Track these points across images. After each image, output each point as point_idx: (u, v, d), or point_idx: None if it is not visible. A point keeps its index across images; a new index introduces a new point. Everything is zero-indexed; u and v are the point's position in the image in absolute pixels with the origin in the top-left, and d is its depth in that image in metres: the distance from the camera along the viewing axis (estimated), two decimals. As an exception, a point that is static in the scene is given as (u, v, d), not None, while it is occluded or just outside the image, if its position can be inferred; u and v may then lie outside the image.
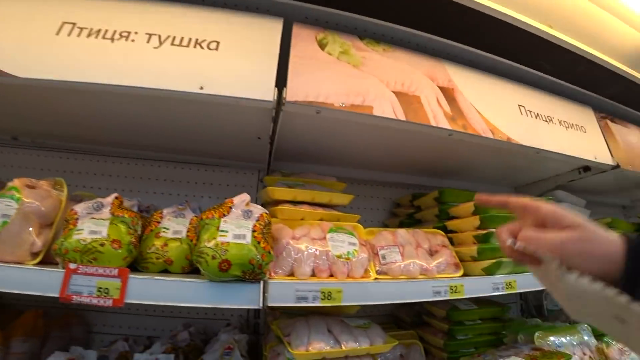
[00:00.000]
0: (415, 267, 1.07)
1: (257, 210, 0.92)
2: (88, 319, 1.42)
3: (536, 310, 1.97)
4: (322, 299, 0.84)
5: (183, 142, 1.39)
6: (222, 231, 0.83)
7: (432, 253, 1.18)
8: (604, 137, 1.61)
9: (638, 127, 1.87)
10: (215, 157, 1.57)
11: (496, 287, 1.12)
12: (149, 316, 1.47)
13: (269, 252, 0.84)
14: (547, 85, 1.60)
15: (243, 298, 0.79)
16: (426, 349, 1.36)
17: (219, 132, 1.24)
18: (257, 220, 0.89)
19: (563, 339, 1.34)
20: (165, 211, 1.13)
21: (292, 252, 0.95)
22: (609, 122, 1.71)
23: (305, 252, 0.95)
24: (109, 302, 0.80)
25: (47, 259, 0.88)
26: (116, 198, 1.03)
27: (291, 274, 0.95)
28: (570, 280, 0.44)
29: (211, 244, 0.81)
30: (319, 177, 1.29)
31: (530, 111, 1.44)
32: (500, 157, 1.50)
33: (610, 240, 0.45)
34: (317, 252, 0.96)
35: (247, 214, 0.91)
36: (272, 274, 0.91)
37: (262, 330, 1.45)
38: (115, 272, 0.82)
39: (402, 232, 1.19)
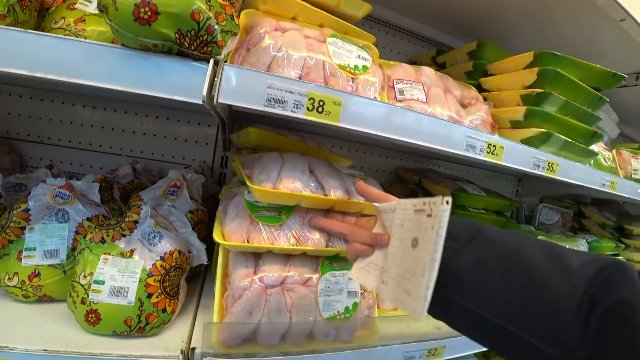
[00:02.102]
0: (443, 115, 0.77)
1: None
2: (23, 150, 1.16)
3: (526, 221, 1.83)
4: (310, 110, 0.52)
5: None
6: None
7: (464, 105, 0.87)
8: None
9: None
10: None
11: (537, 164, 0.84)
12: (96, 152, 1.20)
13: (231, 18, 0.50)
14: None
15: (176, 83, 0.47)
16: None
17: None
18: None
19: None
20: (90, -21, 0.74)
21: (272, 47, 0.60)
22: None
23: (292, 52, 0.61)
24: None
25: None
26: None
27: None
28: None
29: (127, -26, 0.45)
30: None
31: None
32: (563, 25, 1.09)
33: None
34: (311, 57, 0.62)
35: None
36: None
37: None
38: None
39: (428, 70, 0.85)
